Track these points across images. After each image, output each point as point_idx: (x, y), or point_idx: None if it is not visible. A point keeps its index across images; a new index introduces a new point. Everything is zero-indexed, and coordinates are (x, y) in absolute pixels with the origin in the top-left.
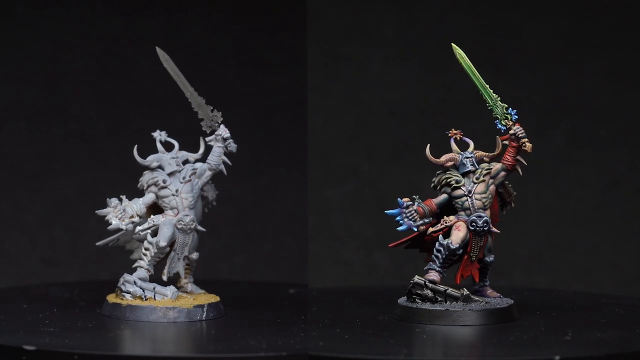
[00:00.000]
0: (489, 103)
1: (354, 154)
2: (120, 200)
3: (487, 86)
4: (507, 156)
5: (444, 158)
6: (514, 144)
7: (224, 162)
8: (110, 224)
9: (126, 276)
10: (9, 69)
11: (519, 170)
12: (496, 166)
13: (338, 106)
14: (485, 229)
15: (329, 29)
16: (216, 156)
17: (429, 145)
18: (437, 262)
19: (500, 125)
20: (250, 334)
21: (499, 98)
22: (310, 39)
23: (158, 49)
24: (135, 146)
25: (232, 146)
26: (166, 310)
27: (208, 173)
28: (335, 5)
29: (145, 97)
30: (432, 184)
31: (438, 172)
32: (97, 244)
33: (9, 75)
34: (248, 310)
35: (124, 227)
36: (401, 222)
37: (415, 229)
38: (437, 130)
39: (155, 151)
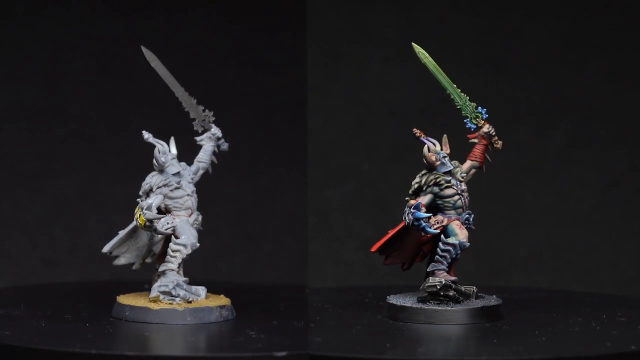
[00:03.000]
0: (457, 102)
1: (354, 154)
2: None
3: (455, 85)
4: (478, 153)
5: (433, 157)
6: (484, 142)
7: (212, 161)
8: (156, 229)
9: (175, 280)
10: (9, 69)
11: (484, 167)
12: (466, 164)
13: (338, 106)
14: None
15: (329, 29)
16: (208, 155)
17: (426, 145)
18: (445, 262)
19: (470, 124)
20: (250, 334)
21: (467, 97)
22: (310, 39)
23: (144, 49)
24: (157, 147)
25: (225, 145)
26: (221, 310)
27: (200, 172)
28: (335, 5)
29: (145, 97)
30: (417, 185)
31: (423, 173)
32: (104, 250)
33: (9, 75)
34: (248, 310)
35: (164, 231)
36: (425, 226)
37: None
38: (437, 130)
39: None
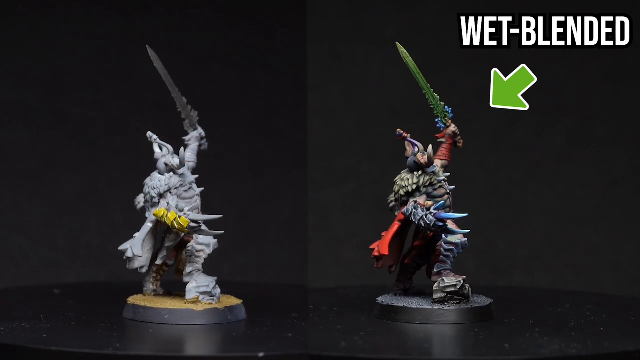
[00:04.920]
0: (431, 102)
1: (354, 154)
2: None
3: (429, 85)
4: (445, 152)
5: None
6: (450, 141)
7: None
8: (200, 229)
9: (213, 280)
10: (9, 69)
11: None
12: (437, 163)
13: (338, 106)
14: None
15: (329, 29)
16: (195, 154)
17: (430, 146)
18: (449, 262)
19: (440, 124)
20: (250, 334)
21: (438, 97)
22: (310, 39)
23: (149, 49)
24: (182, 148)
25: (205, 145)
26: (244, 307)
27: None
28: (335, 5)
29: (145, 97)
30: (415, 186)
31: (419, 174)
32: (137, 253)
33: (9, 75)
34: (248, 310)
35: (210, 231)
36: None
37: None
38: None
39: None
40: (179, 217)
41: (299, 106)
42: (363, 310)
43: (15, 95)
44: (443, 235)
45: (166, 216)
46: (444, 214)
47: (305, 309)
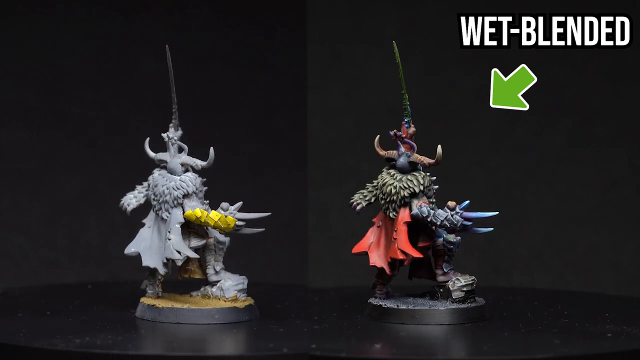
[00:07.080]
0: (405, 103)
1: (354, 154)
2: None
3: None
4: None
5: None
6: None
7: None
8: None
9: (245, 277)
10: (9, 69)
11: None
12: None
13: (338, 106)
14: None
15: (329, 29)
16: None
17: (440, 146)
18: (451, 261)
19: (407, 124)
20: (250, 334)
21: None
22: (310, 39)
23: (167, 49)
24: (211, 148)
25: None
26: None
27: None
28: (335, 5)
29: (145, 97)
30: (422, 187)
31: (423, 175)
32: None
33: (9, 75)
34: None
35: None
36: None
37: None
38: (437, 130)
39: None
40: (225, 216)
41: (299, 106)
42: (363, 310)
43: (15, 95)
44: (445, 235)
45: (207, 217)
46: (472, 214)
47: (306, 309)
